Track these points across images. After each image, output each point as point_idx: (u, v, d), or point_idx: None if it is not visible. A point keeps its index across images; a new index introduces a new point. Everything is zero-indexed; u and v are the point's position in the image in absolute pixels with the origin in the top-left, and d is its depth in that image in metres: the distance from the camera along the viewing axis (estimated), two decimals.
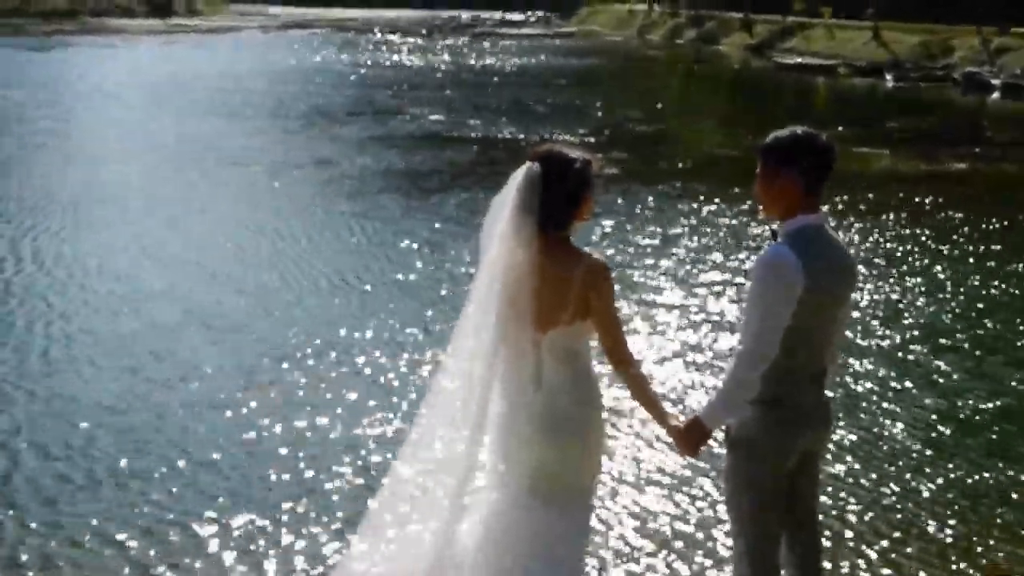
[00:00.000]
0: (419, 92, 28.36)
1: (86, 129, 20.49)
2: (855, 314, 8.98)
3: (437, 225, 12.52)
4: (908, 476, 6.24)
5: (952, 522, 5.68)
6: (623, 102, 27.08)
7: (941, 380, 7.85)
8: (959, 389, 7.67)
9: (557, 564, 3.84)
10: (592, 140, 19.70)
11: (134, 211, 13.13)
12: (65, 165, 16.17)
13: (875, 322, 9.13)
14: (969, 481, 6.19)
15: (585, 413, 3.86)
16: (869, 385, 7.67)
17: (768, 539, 3.83)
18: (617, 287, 4.05)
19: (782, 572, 3.93)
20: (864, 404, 7.30)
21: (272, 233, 12.00)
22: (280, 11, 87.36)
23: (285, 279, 10.12)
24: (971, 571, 5.22)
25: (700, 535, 5.47)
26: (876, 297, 9.87)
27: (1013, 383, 7.80)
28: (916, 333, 8.92)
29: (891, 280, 10.55)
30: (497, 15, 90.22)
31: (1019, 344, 8.76)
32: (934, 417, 7.14)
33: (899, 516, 5.75)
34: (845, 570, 5.16)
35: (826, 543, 4.98)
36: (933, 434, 6.87)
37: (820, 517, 4.28)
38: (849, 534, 5.51)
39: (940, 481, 6.18)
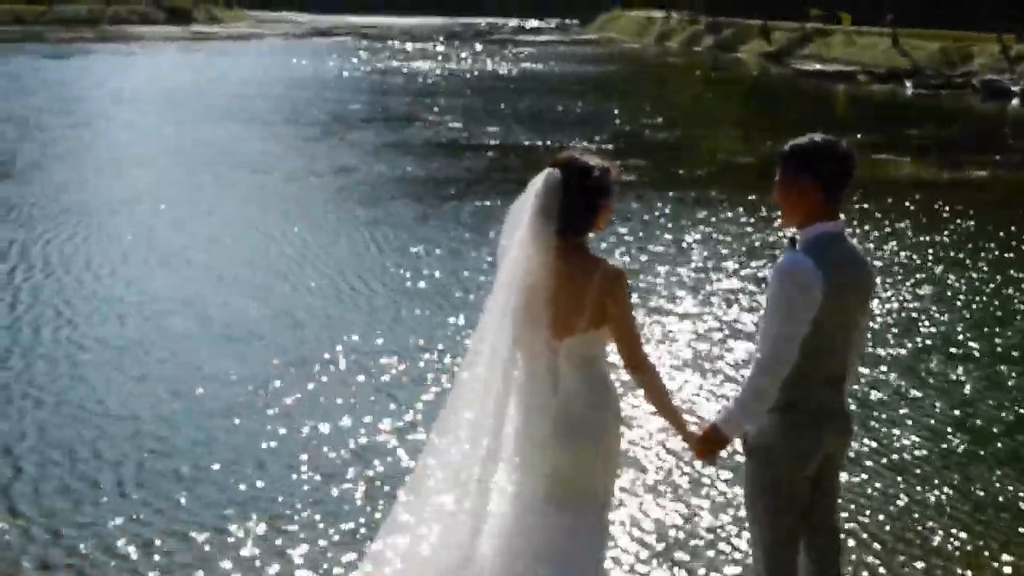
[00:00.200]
0: (436, 99, 28.39)
1: (103, 136, 20.55)
2: (869, 322, 8.93)
3: (453, 232, 12.51)
4: (921, 485, 6.19)
5: (965, 532, 5.63)
6: (641, 109, 27.05)
7: (955, 389, 7.79)
8: (973, 398, 7.60)
9: (571, 568, 3.84)
10: (610, 147, 19.68)
11: (149, 217, 13.16)
12: (82, 171, 16.24)
13: (890, 330, 9.06)
14: (983, 491, 6.13)
15: (600, 418, 3.86)
16: (882, 393, 7.61)
17: (783, 544, 3.82)
18: (633, 295, 4.04)
19: None
20: (877, 412, 7.24)
21: (287, 239, 12.00)
22: (300, 18, 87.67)
23: (299, 286, 10.12)
24: None
25: (716, 541, 5.45)
26: (891, 305, 9.80)
27: None
28: (931, 342, 8.86)
29: (907, 288, 10.47)
30: (515, 22, 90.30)
31: None
32: (948, 426, 7.08)
33: (911, 525, 5.70)
34: None
35: None
36: (946, 443, 6.81)
37: None
38: (861, 543, 5.46)
39: (953, 491, 6.12)
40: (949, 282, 10.78)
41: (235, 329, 8.83)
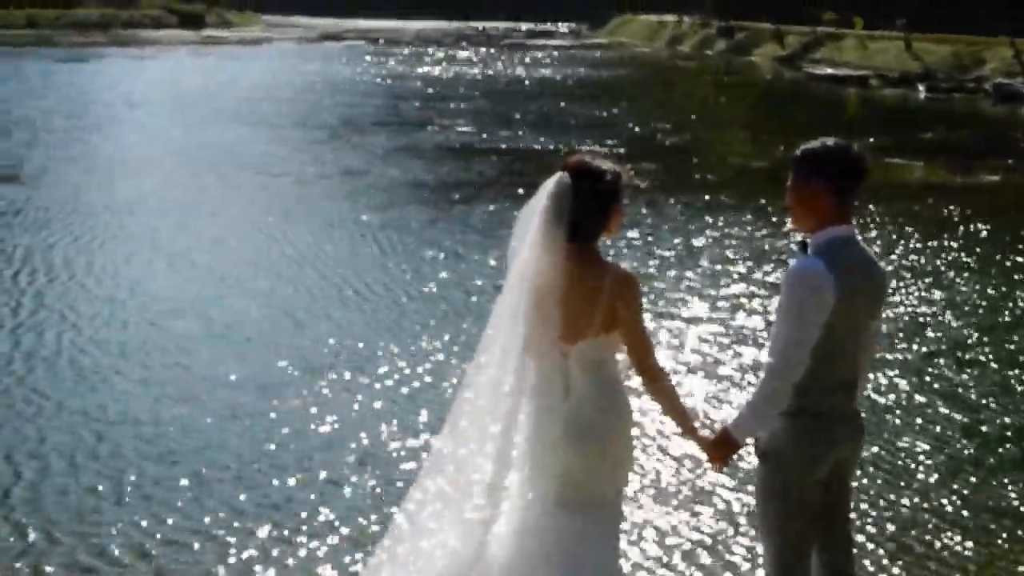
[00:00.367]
0: (448, 103, 28.41)
1: (112, 139, 20.60)
2: (881, 326, 8.91)
3: (462, 236, 12.49)
4: (929, 491, 6.15)
5: (972, 540, 5.59)
6: (653, 113, 27.03)
7: (964, 395, 7.73)
8: (982, 404, 7.55)
9: (580, 571, 3.83)
10: (622, 151, 19.65)
11: (158, 221, 13.17)
12: (90, 174, 16.29)
13: (898, 334, 9.00)
14: (990, 498, 6.09)
15: (610, 421, 3.86)
16: (890, 398, 7.55)
17: (794, 549, 3.81)
18: (643, 299, 4.04)
19: None
20: (885, 418, 7.18)
21: (294, 242, 12.00)
22: (312, 22, 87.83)
23: (308, 290, 10.11)
24: None
25: (726, 546, 5.43)
26: (900, 309, 9.74)
27: None
28: (939, 346, 8.80)
29: (916, 292, 10.41)
30: (527, 26, 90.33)
31: None
32: (956, 432, 7.03)
33: (918, 532, 5.66)
34: None
35: None
36: (954, 450, 6.76)
37: None
38: (869, 548, 5.42)
39: (960, 497, 6.08)
40: (959, 287, 10.72)
41: (240, 332, 8.83)
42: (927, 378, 8.06)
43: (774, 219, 13.45)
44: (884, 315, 9.11)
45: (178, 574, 5.15)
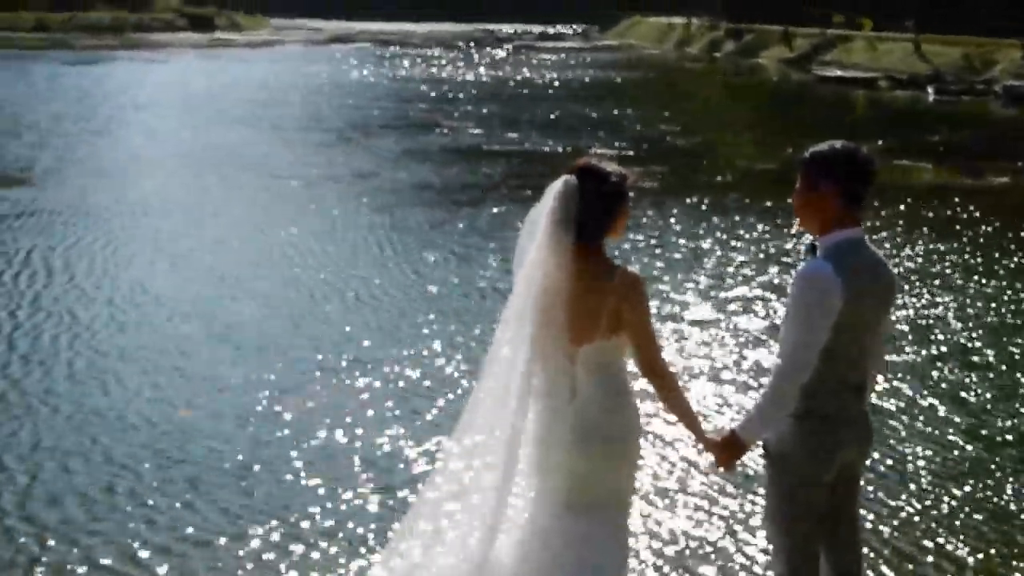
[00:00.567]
0: (456, 105, 28.42)
1: (120, 142, 20.65)
2: (890, 329, 8.87)
3: (469, 239, 12.48)
4: (932, 494, 6.12)
5: (975, 543, 5.57)
6: (661, 115, 27.01)
7: (968, 398, 7.69)
8: (986, 407, 7.51)
9: (586, 573, 3.84)
10: (630, 153, 19.64)
11: (163, 223, 13.19)
12: (98, 177, 16.32)
13: (904, 337, 8.96)
14: (994, 501, 6.06)
15: (617, 423, 3.87)
16: (894, 401, 7.51)
17: (800, 551, 3.82)
18: (651, 302, 4.04)
19: None
20: (889, 421, 7.14)
21: (301, 246, 11.98)
22: (320, 25, 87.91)
23: (312, 292, 10.09)
24: None
25: (733, 549, 5.43)
26: (906, 312, 9.69)
27: None
28: (944, 349, 8.76)
29: (923, 295, 10.37)
30: (536, 29, 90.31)
31: None
32: (960, 435, 6.99)
33: (922, 534, 5.65)
34: None
35: None
36: (958, 452, 6.73)
37: None
38: (871, 551, 5.39)
39: (965, 500, 6.06)
40: (965, 289, 10.67)
41: (242, 335, 8.81)
42: (931, 381, 8.02)
43: (781, 221, 13.42)
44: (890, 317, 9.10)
45: (193, 571, 5.16)
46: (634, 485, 4.12)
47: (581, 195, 3.80)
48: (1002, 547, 5.55)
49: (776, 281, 10.68)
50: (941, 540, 5.61)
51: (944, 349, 8.79)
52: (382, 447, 6.59)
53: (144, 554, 5.33)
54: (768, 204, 14.61)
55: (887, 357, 8.19)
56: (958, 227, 13.75)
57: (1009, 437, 7.01)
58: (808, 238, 3.86)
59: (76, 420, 7.01)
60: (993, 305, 10.12)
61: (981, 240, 12.99)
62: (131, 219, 13.46)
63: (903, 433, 6.99)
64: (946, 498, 6.09)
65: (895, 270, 4.03)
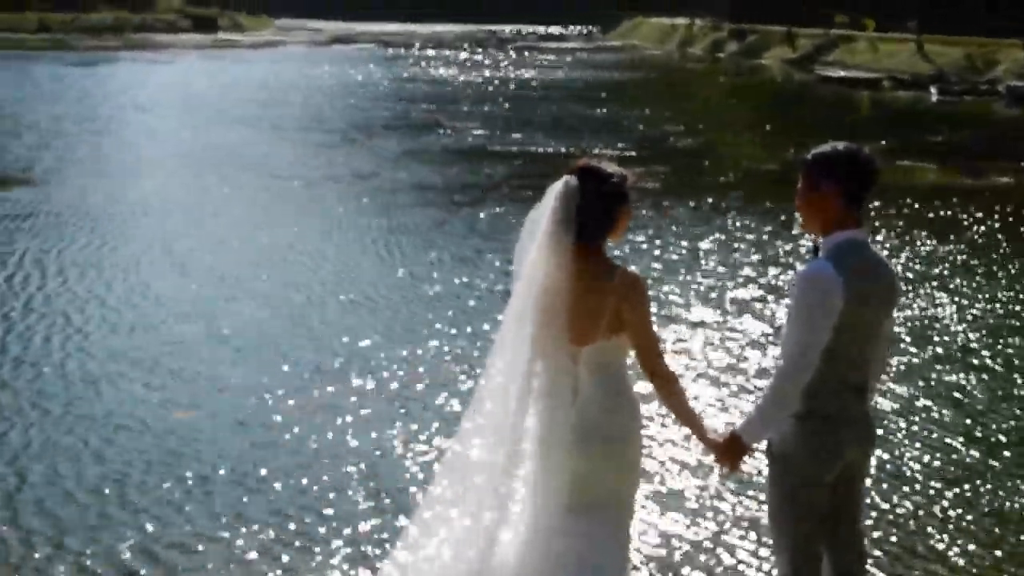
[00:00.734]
0: (458, 106, 28.42)
1: (122, 142, 20.67)
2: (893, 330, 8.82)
3: (470, 240, 12.46)
4: (932, 496, 6.10)
5: (976, 543, 5.55)
6: (664, 116, 27.01)
7: (967, 399, 7.66)
8: (986, 409, 7.47)
9: (587, 573, 3.84)
10: (633, 154, 19.63)
11: (164, 224, 13.18)
12: (99, 178, 16.32)
13: (903, 338, 8.91)
14: (993, 502, 6.04)
15: (617, 423, 3.88)
16: (892, 403, 7.47)
17: (803, 552, 3.82)
18: (652, 303, 4.03)
19: None
20: (886, 422, 7.09)
21: (303, 247, 11.97)
22: (323, 26, 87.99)
23: (313, 294, 10.06)
24: None
25: (735, 549, 5.41)
26: (906, 313, 9.63)
27: None
28: (943, 350, 8.72)
29: (923, 295, 10.33)
30: (538, 30, 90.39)
31: None
32: (960, 436, 6.96)
33: (922, 536, 5.62)
34: None
35: None
36: (958, 454, 6.70)
37: None
38: (871, 553, 5.39)
39: (963, 501, 6.03)
40: (965, 290, 10.63)
41: (245, 337, 8.78)
42: (929, 382, 7.98)
43: (783, 222, 13.40)
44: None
45: None
46: (636, 486, 4.11)
47: (582, 195, 3.81)
48: (1000, 548, 5.53)
49: (777, 282, 10.66)
50: (938, 541, 5.58)
51: (942, 350, 8.75)
52: (381, 448, 6.56)
53: (134, 558, 5.30)
54: (770, 205, 14.60)
55: (889, 359, 8.19)
56: (959, 228, 13.72)
57: (1007, 439, 6.97)
58: (810, 239, 3.86)
59: (67, 422, 6.97)
60: (993, 307, 10.08)
61: (982, 241, 12.96)
62: (131, 219, 13.47)
63: (901, 434, 6.96)
64: (944, 499, 6.07)
65: (896, 270, 4.01)
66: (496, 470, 3.85)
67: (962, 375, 8.16)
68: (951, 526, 5.75)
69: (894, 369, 8.11)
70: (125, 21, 64.43)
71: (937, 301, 10.20)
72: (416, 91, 33.19)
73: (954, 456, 6.68)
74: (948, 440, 6.92)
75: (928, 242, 12.80)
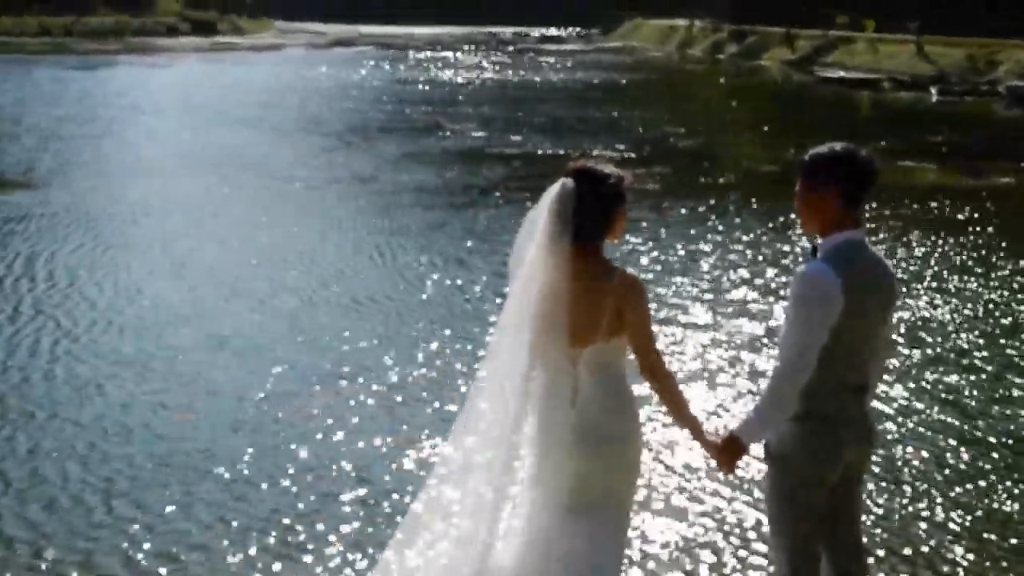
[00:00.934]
0: (458, 108, 28.43)
1: (121, 145, 20.66)
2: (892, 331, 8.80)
3: (469, 242, 12.42)
4: (925, 498, 6.06)
5: (969, 546, 5.52)
6: (663, 117, 27.03)
7: (961, 401, 7.61)
8: (981, 411, 7.43)
9: (586, 572, 3.84)
10: (632, 155, 19.64)
11: (162, 227, 13.17)
12: (98, 180, 16.31)
13: (900, 339, 8.89)
14: (987, 504, 6.01)
15: (618, 425, 3.88)
16: (886, 405, 7.41)
17: (801, 552, 3.82)
18: (651, 305, 4.02)
19: None
20: (882, 423, 7.03)
21: (300, 250, 11.94)
22: (323, 28, 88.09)
23: (310, 297, 10.02)
24: None
25: (734, 550, 5.40)
26: (901, 314, 9.58)
27: None
28: (939, 351, 8.69)
29: (919, 296, 10.29)
30: (538, 32, 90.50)
31: None
32: (955, 439, 6.93)
33: (915, 537, 5.60)
34: None
35: None
36: (950, 456, 6.66)
37: None
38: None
39: (958, 504, 6.00)
40: (962, 291, 10.59)
41: (240, 340, 8.74)
42: (924, 384, 7.94)
43: (782, 222, 13.39)
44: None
45: None
46: (635, 486, 4.12)
47: (578, 197, 3.80)
48: (994, 550, 5.50)
49: (775, 283, 10.64)
50: (933, 543, 5.55)
51: (938, 351, 8.71)
52: (375, 452, 6.53)
53: (141, 559, 5.28)
54: (769, 206, 14.59)
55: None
56: (958, 228, 13.69)
57: (1001, 441, 6.93)
58: (814, 239, 3.86)
59: (74, 425, 6.95)
60: (989, 308, 10.04)
61: (981, 242, 12.93)
62: (129, 221, 13.46)
63: (894, 435, 6.92)
64: (936, 501, 6.03)
65: (894, 271, 4.00)
66: (492, 473, 3.84)
67: (956, 376, 8.12)
68: (944, 528, 5.72)
69: (889, 370, 8.09)
70: (125, 24, 64.48)
71: (933, 302, 10.17)
72: (415, 93, 33.21)
73: (947, 458, 6.64)
74: (941, 442, 6.89)
75: (926, 242, 12.77)
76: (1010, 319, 9.71)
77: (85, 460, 6.42)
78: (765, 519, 5.33)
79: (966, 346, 8.88)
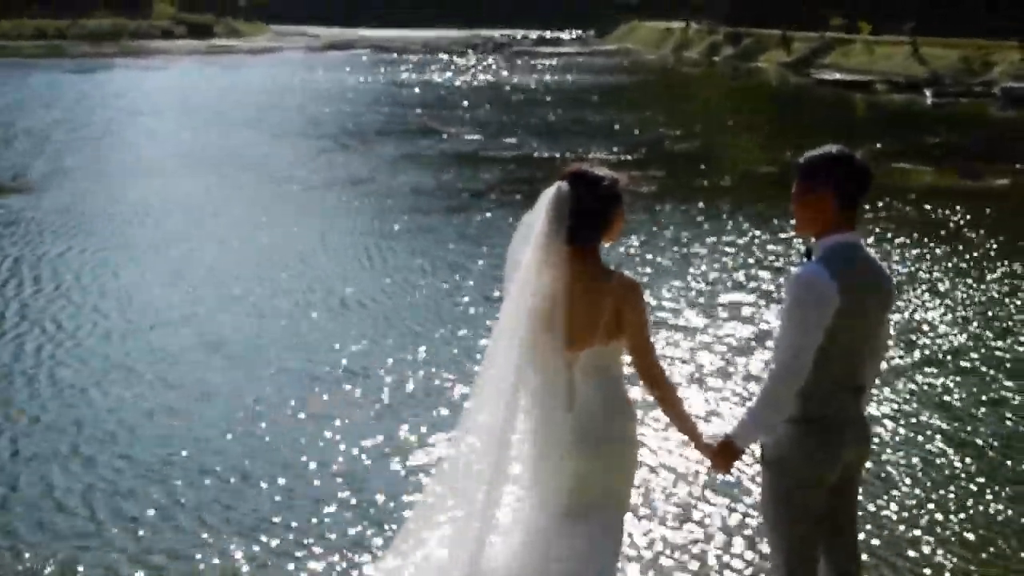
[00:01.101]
0: (454, 111, 28.42)
1: (117, 148, 20.66)
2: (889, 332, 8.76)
3: (463, 246, 12.40)
4: (915, 501, 6.05)
5: (959, 549, 5.52)
6: (660, 119, 27.03)
7: (953, 404, 7.59)
8: (970, 413, 7.40)
9: (581, 571, 3.85)
10: (629, 158, 19.65)
11: (156, 230, 13.16)
12: (92, 184, 16.32)
13: (892, 342, 8.89)
14: (978, 507, 5.99)
15: (616, 428, 3.89)
16: (877, 406, 7.36)
17: (798, 554, 3.82)
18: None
19: None
20: (873, 426, 7.02)
21: (294, 253, 11.91)
22: (319, 31, 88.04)
23: (304, 301, 9.99)
24: None
25: (730, 551, 5.41)
26: (894, 316, 9.52)
27: None
28: (932, 354, 8.65)
29: (912, 299, 10.26)
30: (534, 34, 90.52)
31: None
32: (944, 441, 6.91)
33: (904, 541, 5.58)
34: None
35: None
36: (942, 459, 6.64)
37: None
38: None
39: (947, 507, 5.98)
40: (955, 292, 10.58)
41: (234, 343, 8.71)
42: (916, 386, 7.92)
43: (778, 225, 13.38)
44: None
45: None
46: (632, 487, 4.12)
47: (574, 201, 3.80)
48: (983, 553, 5.49)
49: (770, 286, 10.62)
50: (922, 546, 5.54)
51: (929, 353, 8.69)
52: (369, 456, 6.51)
53: (127, 565, 5.25)
54: (765, 208, 14.57)
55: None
56: (952, 230, 13.68)
57: (992, 443, 6.91)
58: (809, 242, 3.86)
59: (56, 429, 6.90)
60: (982, 310, 10.01)
61: (975, 243, 12.89)
62: (124, 224, 13.44)
63: (885, 438, 6.90)
64: (927, 504, 6.02)
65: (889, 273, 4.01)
66: (486, 475, 3.85)
67: (948, 379, 8.10)
68: (934, 530, 5.71)
69: (880, 372, 8.04)
70: (121, 27, 64.45)
71: (927, 304, 10.15)
72: (411, 96, 33.20)
73: (938, 460, 6.63)
74: (932, 444, 6.87)
75: (920, 244, 12.74)
76: (1002, 321, 9.68)
77: (67, 464, 6.38)
78: (759, 523, 5.37)
79: (957, 348, 8.86)
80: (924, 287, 10.78)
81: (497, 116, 27.28)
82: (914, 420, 7.27)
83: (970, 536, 5.68)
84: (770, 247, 12.47)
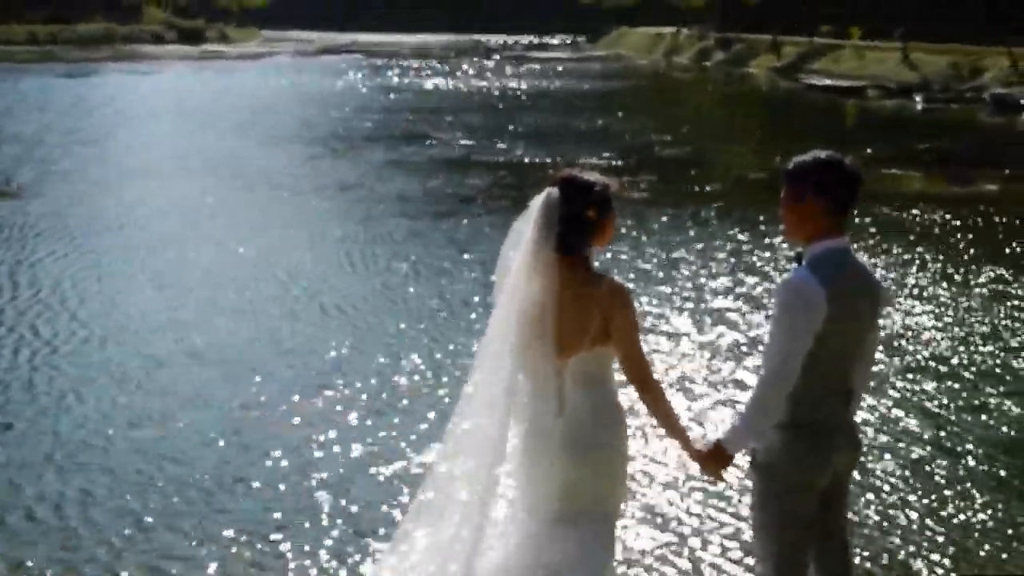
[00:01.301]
0: (444, 116, 28.40)
1: (107, 153, 20.60)
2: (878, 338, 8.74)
3: (452, 252, 12.37)
4: (898, 507, 6.04)
5: (944, 554, 5.51)
6: (650, 125, 27.03)
7: (936, 409, 7.58)
8: (954, 419, 7.39)
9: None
10: (619, 163, 19.65)
11: (144, 236, 13.10)
12: (81, 189, 16.29)
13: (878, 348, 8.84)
14: (961, 514, 5.98)
15: (607, 436, 3.88)
16: (861, 412, 7.15)
17: (787, 559, 3.82)
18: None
19: None
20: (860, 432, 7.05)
21: (282, 259, 11.86)
22: (310, 36, 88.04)
23: (291, 308, 9.94)
24: None
25: (722, 557, 5.40)
26: (880, 321, 9.50)
27: (1012, 416, 7.49)
28: (917, 360, 8.64)
29: (898, 304, 10.21)
30: (525, 39, 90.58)
31: (1022, 375, 8.39)
32: (927, 447, 6.90)
33: (888, 547, 5.57)
34: None
35: None
36: (925, 465, 6.63)
37: None
38: None
39: (930, 512, 5.97)
40: (941, 298, 10.56)
41: (219, 349, 8.66)
42: (900, 392, 7.90)
43: (767, 231, 13.38)
44: None
45: None
46: (624, 494, 4.13)
47: (564, 207, 3.80)
48: (966, 559, 5.48)
49: (757, 292, 10.61)
50: (904, 552, 5.53)
51: (912, 359, 8.67)
52: (356, 463, 6.47)
53: (119, 570, 5.21)
54: (754, 213, 14.57)
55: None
56: (941, 235, 13.69)
57: (975, 449, 6.90)
58: (798, 248, 3.87)
59: (31, 437, 6.83)
60: (967, 315, 9.99)
61: (961, 249, 12.90)
62: (111, 232, 13.38)
63: (869, 443, 6.83)
64: (911, 510, 6.01)
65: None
66: (476, 480, 3.85)
67: (932, 384, 8.08)
68: (918, 536, 5.70)
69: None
70: (112, 32, 64.38)
71: (912, 310, 10.13)
72: (401, 101, 33.18)
73: (923, 466, 6.61)
74: (916, 450, 6.86)
75: (907, 250, 12.72)
76: (986, 327, 9.66)
77: (40, 472, 6.32)
78: (747, 528, 5.36)
79: (942, 354, 8.84)
80: (911, 292, 10.77)
81: (487, 121, 27.27)
82: (897, 425, 7.26)
83: (953, 541, 5.67)
84: (760, 253, 12.47)
